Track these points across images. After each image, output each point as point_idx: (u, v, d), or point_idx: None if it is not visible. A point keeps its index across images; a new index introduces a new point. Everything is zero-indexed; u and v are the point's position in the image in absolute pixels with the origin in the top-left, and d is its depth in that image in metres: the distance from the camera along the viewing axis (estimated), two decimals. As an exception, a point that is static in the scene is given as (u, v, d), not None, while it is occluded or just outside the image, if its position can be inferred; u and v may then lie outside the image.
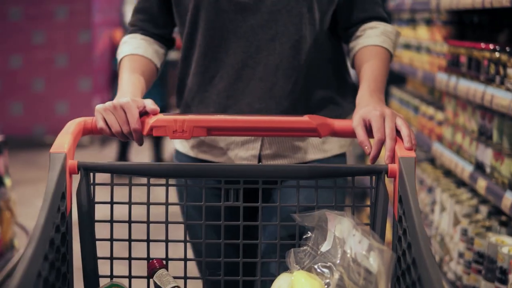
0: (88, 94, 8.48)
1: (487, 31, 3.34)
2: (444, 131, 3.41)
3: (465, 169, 2.99)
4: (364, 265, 1.46)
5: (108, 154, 7.88)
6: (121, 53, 2.02)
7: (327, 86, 2.01)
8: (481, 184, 2.76)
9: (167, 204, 1.65)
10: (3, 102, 8.13)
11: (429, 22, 4.04)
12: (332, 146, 2.04)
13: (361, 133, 1.69)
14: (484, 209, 3.01)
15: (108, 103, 1.71)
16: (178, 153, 2.13)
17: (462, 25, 3.63)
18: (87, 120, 1.74)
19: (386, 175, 1.64)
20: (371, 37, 1.97)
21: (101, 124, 1.71)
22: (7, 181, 4.27)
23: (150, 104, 1.73)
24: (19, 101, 8.26)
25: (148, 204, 1.65)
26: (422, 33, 4.14)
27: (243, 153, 1.98)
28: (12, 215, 4.32)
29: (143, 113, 1.74)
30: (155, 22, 2.06)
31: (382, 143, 1.67)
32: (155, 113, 1.74)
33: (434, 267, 1.37)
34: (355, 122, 1.72)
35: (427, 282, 1.37)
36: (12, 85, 8.19)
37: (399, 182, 1.62)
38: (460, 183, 3.36)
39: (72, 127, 1.69)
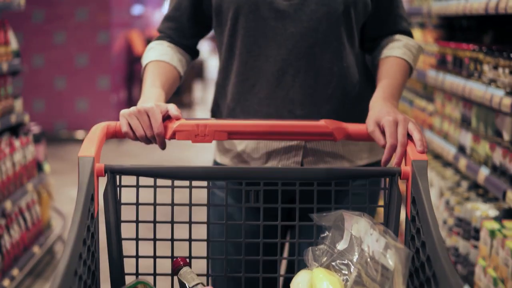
0: (107, 91, 8.49)
1: (474, 33, 3.67)
2: (434, 120, 3.79)
3: (450, 152, 3.36)
4: (382, 262, 1.45)
5: (125, 150, 7.87)
6: (146, 58, 1.97)
7: (363, 91, 1.97)
8: (462, 163, 3.14)
9: (190, 205, 1.64)
10: (26, 99, 8.09)
11: (422, 26, 4.34)
12: (368, 155, 2.02)
13: (380, 137, 1.68)
14: (464, 184, 3.41)
15: (133, 108, 1.69)
16: (216, 165, 2.06)
17: (452, 28, 3.98)
18: (110, 124, 1.72)
19: (399, 177, 1.63)
20: (393, 49, 1.95)
21: (125, 128, 1.69)
22: (46, 167, 4.58)
23: (173, 109, 1.71)
24: (42, 98, 8.26)
25: (172, 205, 1.63)
26: (416, 35, 4.36)
27: (285, 161, 1.94)
28: (50, 197, 4.67)
29: (166, 118, 1.72)
30: (183, 32, 2.01)
31: (394, 148, 1.65)
32: (178, 118, 1.72)
33: (449, 264, 1.36)
34: (371, 127, 1.70)
35: (443, 278, 1.35)
36: (34, 83, 8.20)
37: (412, 184, 1.60)
38: (447, 164, 3.77)
39: (97, 131, 1.68)
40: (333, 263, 1.52)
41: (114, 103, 8.56)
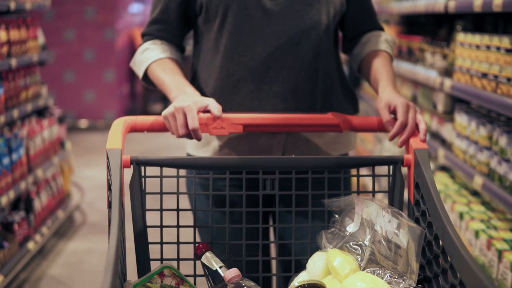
0: (112, 84, 8.45)
1: (432, 28, 4.06)
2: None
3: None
4: (394, 241, 1.43)
5: (131, 136, 7.80)
6: (148, 58, 1.85)
7: (338, 86, 1.91)
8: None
9: (211, 193, 1.60)
10: (39, 91, 8.04)
11: (386, 22, 4.79)
12: (339, 147, 1.91)
13: (387, 114, 1.65)
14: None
15: (170, 108, 1.62)
16: None
17: (413, 24, 4.44)
18: (130, 119, 1.67)
19: (401, 164, 1.60)
20: (377, 43, 1.91)
21: (171, 131, 1.63)
22: (67, 145, 4.86)
23: (214, 108, 1.65)
24: (53, 90, 8.17)
25: (194, 194, 1.60)
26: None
27: (266, 155, 1.81)
28: (71, 171, 4.98)
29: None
30: (172, 32, 1.89)
31: (404, 126, 1.63)
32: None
33: (458, 239, 1.34)
34: (381, 104, 1.67)
35: (454, 252, 1.33)
36: (46, 76, 8.11)
37: (415, 171, 1.58)
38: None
39: (119, 125, 1.62)
40: (346, 245, 1.49)
41: (119, 95, 8.52)
